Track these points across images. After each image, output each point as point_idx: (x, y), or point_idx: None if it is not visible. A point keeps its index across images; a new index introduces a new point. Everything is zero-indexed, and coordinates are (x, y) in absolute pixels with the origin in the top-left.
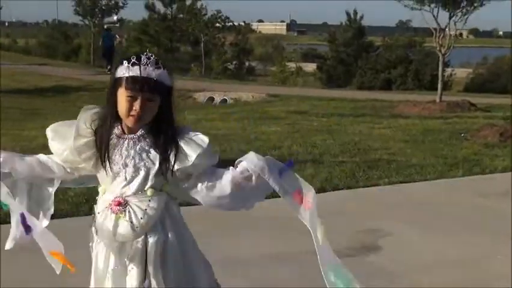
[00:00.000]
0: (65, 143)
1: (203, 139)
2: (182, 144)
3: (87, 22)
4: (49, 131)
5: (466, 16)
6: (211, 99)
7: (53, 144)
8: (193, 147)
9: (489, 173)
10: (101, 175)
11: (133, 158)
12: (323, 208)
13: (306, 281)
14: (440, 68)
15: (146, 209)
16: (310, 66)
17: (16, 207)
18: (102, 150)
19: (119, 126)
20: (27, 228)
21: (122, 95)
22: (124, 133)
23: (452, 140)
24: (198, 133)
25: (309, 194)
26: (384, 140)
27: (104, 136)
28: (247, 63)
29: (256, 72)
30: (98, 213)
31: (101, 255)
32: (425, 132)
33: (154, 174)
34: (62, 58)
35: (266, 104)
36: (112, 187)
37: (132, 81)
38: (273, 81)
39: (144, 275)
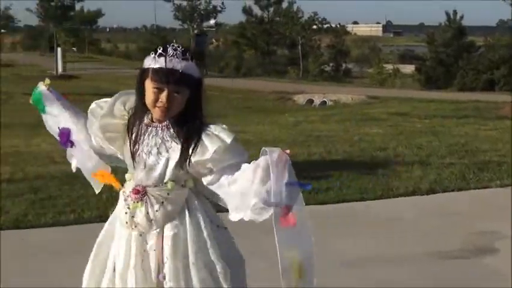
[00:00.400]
0: (97, 118)
1: (227, 135)
2: (203, 137)
3: (186, 26)
4: (93, 104)
5: None
6: (311, 101)
7: (89, 116)
8: (213, 141)
9: None
10: (127, 160)
11: (155, 147)
12: (433, 209)
13: (425, 282)
14: None
15: (163, 202)
16: (407, 68)
17: (65, 119)
18: (128, 136)
19: (150, 115)
20: (71, 143)
21: (148, 86)
22: (152, 122)
23: None
24: (224, 129)
25: (301, 216)
26: (492, 142)
27: (131, 123)
28: (343, 65)
29: (353, 74)
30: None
31: (122, 241)
32: None
33: (174, 165)
34: None
35: (366, 106)
36: (135, 175)
37: (157, 73)
38: (370, 83)
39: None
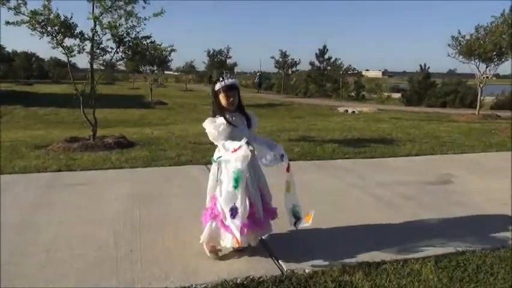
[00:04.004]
0: (218, 126)
1: (255, 116)
2: (252, 117)
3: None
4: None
5: (496, 67)
6: (346, 111)
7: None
8: (256, 119)
9: None
10: (231, 134)
11: (241, 123)
12: (417, 162)
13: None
14: (479, 96)
15: (253, 145)
16: (396, 95)
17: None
18: (229, 122)
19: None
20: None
21: (222, 96)
22: (230, 113)
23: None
24: (252, 113)
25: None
26: (446, 132)
27: (226, 117)
28: (361, 92)
29: (366, 97)
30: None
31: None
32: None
33: (248, 130)
34: None
35: (377, 114)
36: (236, 137)
37: (227, 87)
38: (376, 102)
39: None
